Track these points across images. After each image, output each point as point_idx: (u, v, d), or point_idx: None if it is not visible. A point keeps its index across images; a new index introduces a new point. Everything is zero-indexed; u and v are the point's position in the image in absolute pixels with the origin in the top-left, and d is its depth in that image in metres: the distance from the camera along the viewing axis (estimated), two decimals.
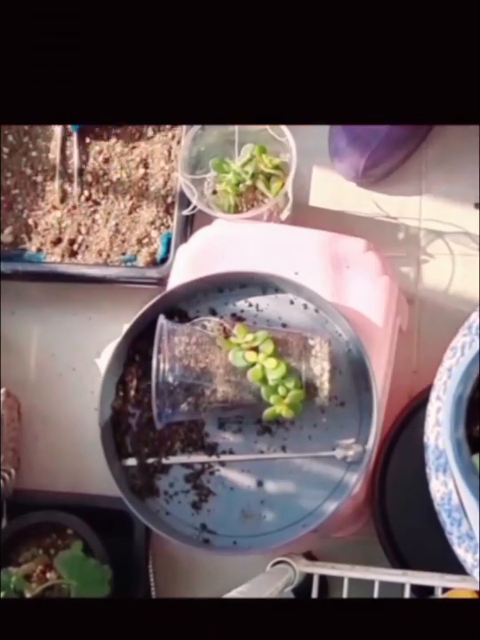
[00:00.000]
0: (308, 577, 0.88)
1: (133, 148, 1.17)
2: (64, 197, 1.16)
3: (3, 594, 0.95)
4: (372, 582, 0.85)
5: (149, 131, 1.17)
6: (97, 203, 1.16)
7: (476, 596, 0.80)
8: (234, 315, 0.92)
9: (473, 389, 0.71)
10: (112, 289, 1.16)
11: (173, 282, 0.95)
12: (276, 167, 1.03)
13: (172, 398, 0.83)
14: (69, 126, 1.17)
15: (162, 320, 0.85)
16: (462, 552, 0.72)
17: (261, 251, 0.95)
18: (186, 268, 0.96)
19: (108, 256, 1.14)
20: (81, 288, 1.14)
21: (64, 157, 1.17)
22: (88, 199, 1.16)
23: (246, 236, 0.96)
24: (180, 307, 0.92)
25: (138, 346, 0.91)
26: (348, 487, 0.86)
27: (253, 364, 0.84)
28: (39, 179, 1.18)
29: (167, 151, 1.15)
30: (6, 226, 1.17)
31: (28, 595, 0.96)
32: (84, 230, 1.15)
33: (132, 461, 0.89)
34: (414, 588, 0.84)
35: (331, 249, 0.94)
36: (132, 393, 0.91)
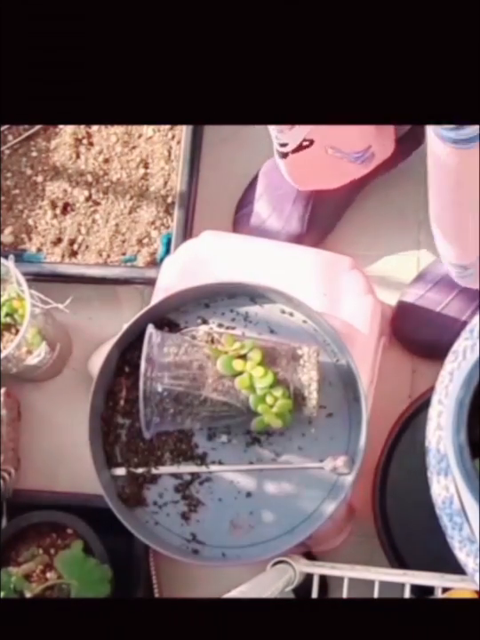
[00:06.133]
0: (308, 577, 0.88)
1: (133, 147, 1.17)
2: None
3: (3, 594, 0.95)
4: (372, 582, 0.85)
5: (149, 131, 1.17)
6: (97, 203, 1.16)
7: (475, 595, 0.80)
8: (223, 324, 0.91)
9: (474, 393, 0.70)
10: (112, 289, 1.16)
11: (158, 294, 0.95)
12: None
13: (160, 407, 0.83)
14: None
15: (151, 329, 0.85)
16: (463, 556, 0.72)
17: (248, 264, 0.95)
18: (172, 279, 0.95)
19: (108, 256, 1.14)
20: (81, 288, 1.14)
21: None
22: (88, 199, 1.16)
23: (233, 250, 0.97)
24: (169, 317, 0.92)
25: (127, 356, 0.91)
26: (337, 500, 0.85)
27: (241, 373, 0.84)
28: (39, 179, 1.18)
29: (167, 151, 1.15)
30: (6, 226, 1.17)
31: (28, 595, 0.96)
32: (83, 230, 1.15)
33: (121, 471, 0.89)
34: (414, 588, 0.84)
35: (315, 265, 0.94)
36: (122, 403, 0.90)
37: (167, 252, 1.11)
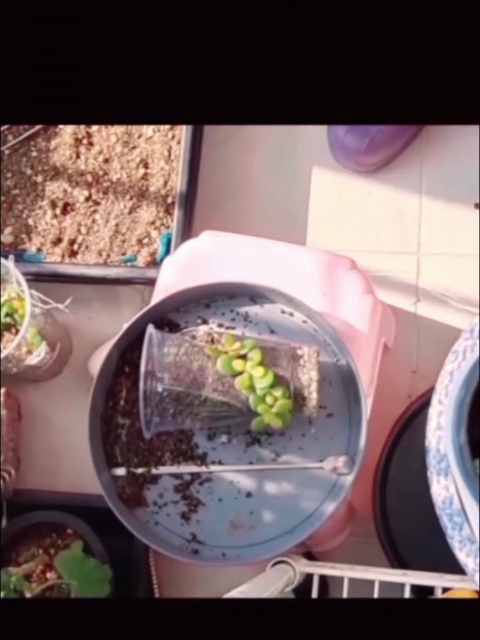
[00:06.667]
0: (308, 577, 0.88)
1: (133, 147, 1.17)
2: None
3: (3, 594, 0.95)
4: (372, 582, 0.85)
5: (149, 131, 1.17)
6: (97, 203, 1.16)
7: (475, 595, 0.80)
8: (223, 324, 0.91)
9: (474, 394, 0.71)
10: (112, 289, 1.16)
11: (158, 293, 0.95)
12: None
13: (160, 408, 0.83)
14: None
15: (151, 329, 0.85)
16: (463, 556, 0.72)
17: (248, 264, 0.95)
18: (172, 279, 0.95)
19: (108, 256, 1.14)
20: (81, 288, 1.14)
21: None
22: (88, 199, 1.16)
23: (233, 250, 0.97)
24: (169, 317, 0.92)
25: (127, 357, 0.91)
26: (337, 500, 0.85)
27: (241, 373, 0.84)
28: (39, 179, 1.18)
29: (167, 151, 1.15)
30: (6, 226, 1.17)
31: (28, 595, 0.96)
32: (84, 230, 1.15)
33: (121, 471, 0.89)
34: (414, 588, 0.84)
35: (315, 265, 0.94)
36: (122, 403, 0.90)
37: (167, 252, 1.10)
